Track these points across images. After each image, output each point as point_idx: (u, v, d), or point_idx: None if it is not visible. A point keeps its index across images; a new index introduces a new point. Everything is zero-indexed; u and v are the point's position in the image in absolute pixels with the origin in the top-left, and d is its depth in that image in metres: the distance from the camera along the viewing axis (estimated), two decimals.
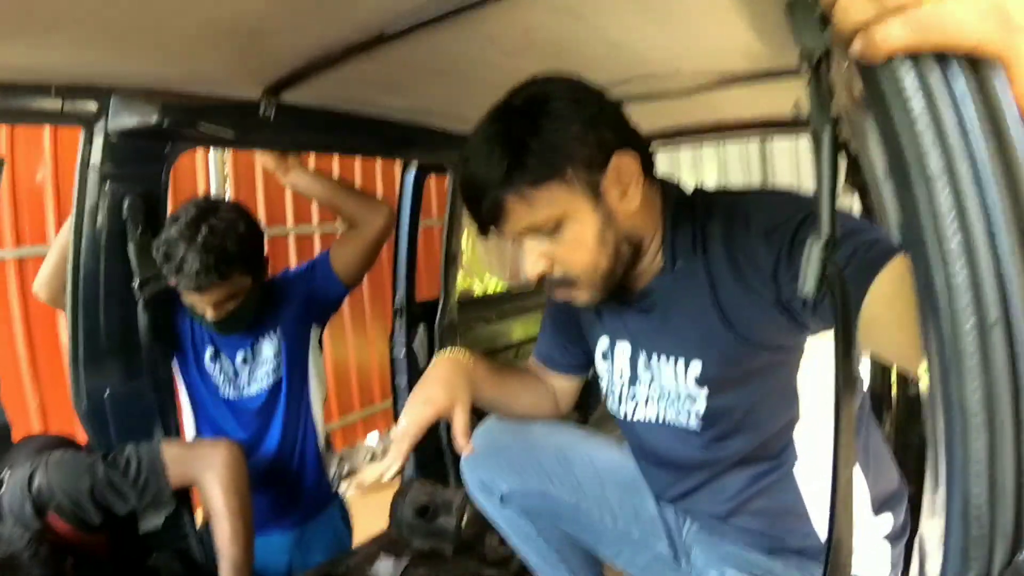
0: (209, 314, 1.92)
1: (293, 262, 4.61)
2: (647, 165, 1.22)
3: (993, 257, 0.44)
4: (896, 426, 2.28)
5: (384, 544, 2.29)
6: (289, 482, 2.28)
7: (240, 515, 1.66)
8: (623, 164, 1.15)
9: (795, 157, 8.37)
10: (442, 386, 1.33)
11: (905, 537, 1.38)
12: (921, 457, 0.52)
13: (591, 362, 1.57)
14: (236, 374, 2.17)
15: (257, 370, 2.19)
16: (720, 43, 1.60)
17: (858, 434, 1.23)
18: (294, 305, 2.23)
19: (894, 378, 2.40)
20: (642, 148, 1.21)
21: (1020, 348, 0.45)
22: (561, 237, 1.17)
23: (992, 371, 0.45)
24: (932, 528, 0.51)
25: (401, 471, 1.30)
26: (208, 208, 1.91)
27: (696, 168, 8.93)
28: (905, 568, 1.35)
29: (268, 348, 2.18)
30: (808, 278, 0.63)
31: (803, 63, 0.60)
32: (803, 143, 8.04)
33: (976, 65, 0.46)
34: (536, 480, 1.58)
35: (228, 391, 2.17)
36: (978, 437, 0.45)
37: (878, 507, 1.33)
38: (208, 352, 2.12)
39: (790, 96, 2.06)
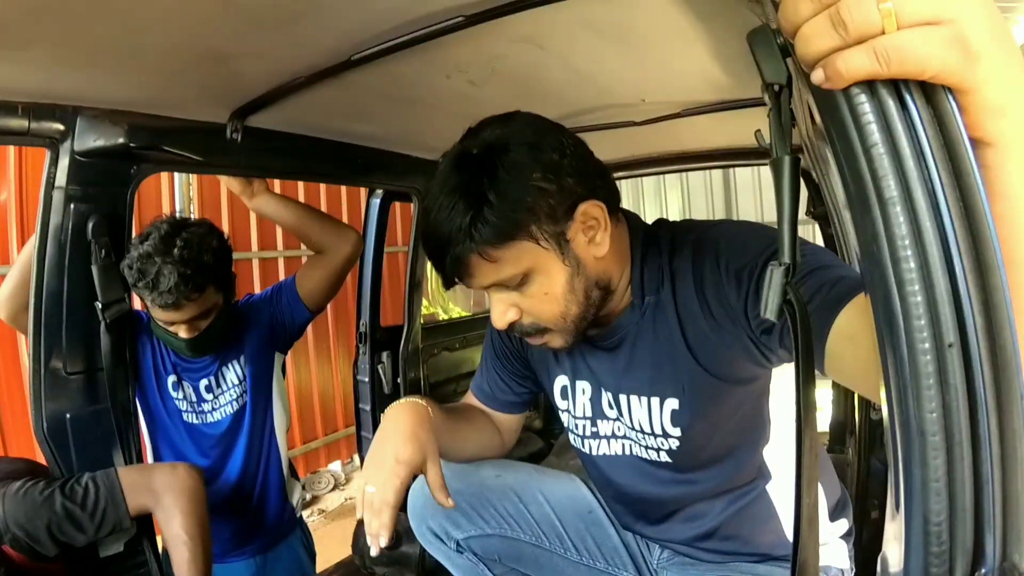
0: (183, 332, 1.90)
1: (257, 287, 4.57)
2: (614, 205, 1.20)
3: (949, 280, 0.46)
4: (859, 451, 2.31)
5: (345, 572, 2.26)
6: (251, 509, 2.23)
7: (198, 542, 1.62)
8: (590, 212, 1.13)
9: (757, 187, 8.52)
10: (411, 442, 1.25)
11: (853, 534, 1.43)
12: (884, 481, 0.53)
13: (535, 397, 1.56)
14: (199, 400, 2.13)
15: (220, 396, 2.15)
16: (683, 74, 1.62)
17: (818, 455, 1.25)
18: (259, 330, 2.21)
19: (857, 404, 2.44)
20: (608, 189, 1.19)
21: (976, 369, 0.46)
22: (529, 290, 1.15)
23: (949, 392, 0.46)
24: (893, 545, 0.52)
25: (392, 540, 1.22)
26: (179, 224, 1.91)
27: (659, 197, 9.04)
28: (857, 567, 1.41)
29: (232, 374, 2.15)
30: (770, 303, 0.64)
31: (765, 92, 0.61)
32: (765, 173, 8.17)
33: (930, 92, 0.48)
34: (492, 524, 1.54)
35: (191, 417, 2.13)
36: (936, 456, 0.46)
37: (833, 514, 1.38)
38: (171, 379, 2.08)
39: (752, 126, 2.10)
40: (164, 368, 2.08)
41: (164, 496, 1.61)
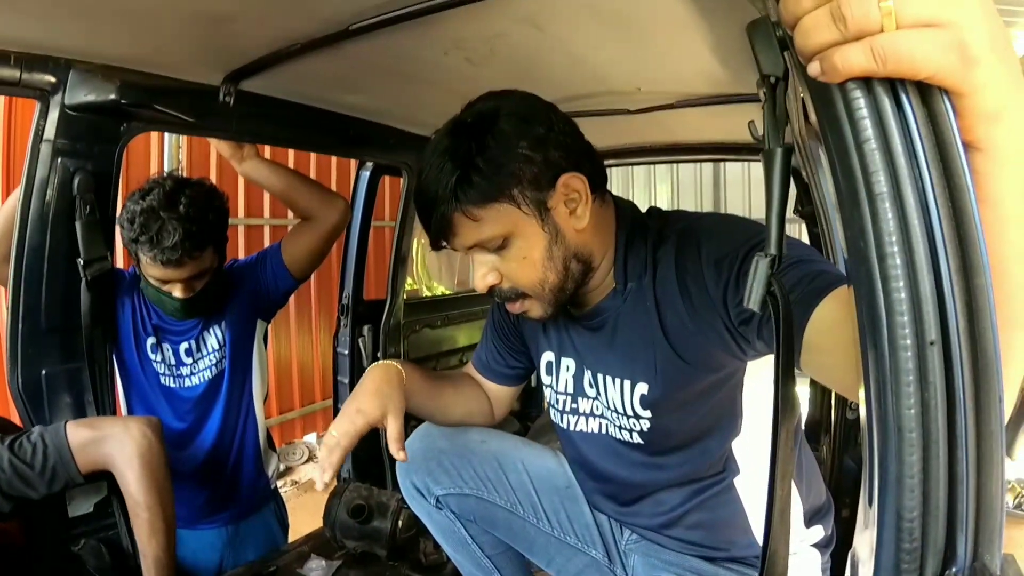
0: (178, 292, 1.89)
1: (242, 254, 4.56)
2: (598, 183, 1.24)
3: (934, 279, 0.46)
4: (833, 450, 2.33)
5: (316, 544, 2.25)
6: (226, 477, 2.22)
7: (157, 506, 1.57)
8: (571, 184, 1.18)
9: (746, 183, 8.56)
10: (373, 396, 1.33)
11: (832, 547, 1.44)
12: (857, 480, 0.53)
13: (529, 373, 1.62)
14: (178, 364, 2.10)
15: (200, 361, 2.13)
16: (680, 66, 1.62)
17: (793, 450, 1.27)
18: (242, 296, 2.20)
19: (833, 403, 2.46)
20: (593, 167, 1.24)
21: (956, 369, 0.46)
22: (508, 253, 1.20)
23: (928, 389, 0.46)
24: (864, 541, 0.52)
25: (332, 480, 1.28)
26: (183, 181, 1.91)
27: (649, 187, 9.05)
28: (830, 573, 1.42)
29: (213, 339, 2.14)
30: (754, 292, 0.65)
31: (761, 84, 0.61)
32: (755, 170, 8.21)
33: (926, 93, 0.48)
34: (471, 485, 1.59)
35: (168, 380, 2.10)
36: (912, 452, 0.46)
37: (809, 519, 1.39)
38: (150, 340, 2.05)
39: (745, 122, 2.11)
40: (144, 329, 2.04)
41: (116, 456, 1.56)
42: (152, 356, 2.06)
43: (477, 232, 1.18)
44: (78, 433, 1.54)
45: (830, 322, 0.90)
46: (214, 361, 2.14)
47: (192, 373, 2.12)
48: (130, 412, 2.07)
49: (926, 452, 0.46)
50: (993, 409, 0.47)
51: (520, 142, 1.15)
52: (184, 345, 2.10)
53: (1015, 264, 0.54)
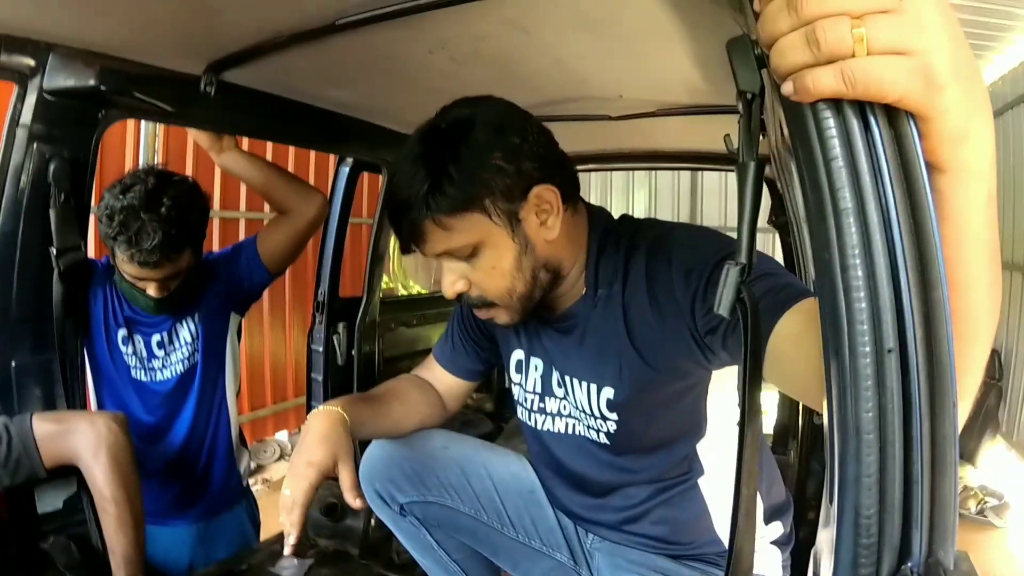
0: (152, 291, 1.88)
1: (216, 247, 4.54)
2: (570, 194, 1.27)
3: (893, 290, 0.48)
4: (801, 454, 2.37)
5: (293, 551, 2.25)
6: (197, 473, 2.20)
7: (125, 501, 1.56)
8: (543, 195, 1.20)
9: (723, 193, 8.65)
10: (321, 445, 1.30)
11: (791, 544, 1.48)
12: (821, 484, 0.56)
13: (491, 369, 1.66)
14: (150, 357, 2.09)
15: (172, 354, 2.11)
16: (662, 75, 1.65)
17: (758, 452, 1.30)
18: (216, 288, 2.18)
19: (801, 409, 2.50)
20: (566, 177, 1.26)
21: (913, 376, 0.49)
22: (478, 262, 1.22)
23: (885, 394, 0.49)
24: (826, 538, 0.55)
25: (300, 541, 1.28)
26: (165, 178, 1.89)
27: (627, 193, 9.11)
28: (795, 572, 1.46)
29: (186, 332, 2.12)
30: (724, 299, 0.67)
31: (739, 99, 0.64)
32: (732, 180, 8.28)
33: (893, 115, 0.50)
34: (434, 492, 1.60)
35: (139, 373, 2.08)
36: (870, 453, 0.49)
37: (768, 516, 1.43)
38: (121, 332, 2.03)
39: (723, 133, 2.14)
40: (115, 320, 2.03)
41: (82, 450, 1.55)
42: (123, 348, 2.04)
43: (447, 240, 1.20)
44: (44, 426, 1.52)
45: (794, 333, 0.94)
46: (187, 355, 2.12)
47: (164, 366, 2.11)
48: (100, 406, 2.06)
49: (883, 453, 0.49)
50: (947, 414, 0.49)
51: (494, 152, 1.16)
52: (156, 337, 2.08)
53: (973, 279, 0.57)
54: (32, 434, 1.50)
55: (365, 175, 2.66)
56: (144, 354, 2.08)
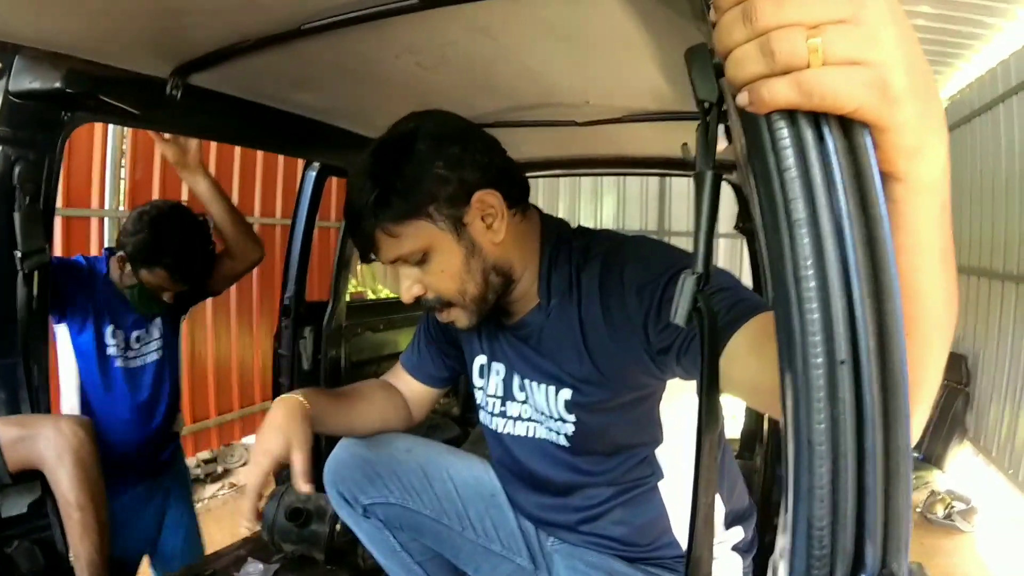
0: (168, 297, 2.29)
1: None
2: (517, 199, 1.31)
3: (847, 301, 0.48)
4: (766, 460, 2.39)
5: (253, 547, 2.24)
6: (166, 444, 2.53)
7: (89, 506, 1.54)
8: (486, 200, 1.25)
9: (691, 199, 8.71)
10: (275, 433, 1.34)
11: (753, 551, 1.51)
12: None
13: (456, 376, 1.69)
14: (127, 348, 2.34)
15: (145, 347, 2.40)
16: (629, 81, 1.65)
17: (716, 458, 1.31)
18: (180, 296, 2.42)
19: (766, 417, 2.52)
20: (510, 183, 1.30)
21: (866, 387, 0.49)
22: (429, 267, 1.27)
23: (838, 406, 0.49)
24: (783, 547, 0.55)
25: (256, 526, 1.33)
26: (195, 216, 2.31)
27: (595, 199, 9.16)
28: None
29: (155, 329, 2.43)
30: (680, 308, 0.67)
31: (698, 109, 0.64)
32: None
33: (848, 127, 0.50)
34: (396, 495, 1.61)
35: (121, 361, 2.32)
36: (822, 464, 0.49)
37: (730, 522, 1.45)
38: (109, 328, 2.28)
39: (690, 139, 2.15)
40: (108, 316, 2.28)
41: (46, 456, 1.53)
42: (109, 340, 2.29)
43: (397, 247, 1.26)
44: (7, 431, 1.50)
45: (749, 346, 0.96)
46: (156, 347, 2.43)
47: (138, 356, 2.39)
48: (83, 388, 2.28)
49: (835, 465, 0.49)
50: (901, 426, 0.49)
51: (436, 161, 1.23)
52: (135, 333, 2.36)
53: (928, 288, 0.57)
54: None
55: (332, 179, 2.65)
56: (123, 345, 2.34)
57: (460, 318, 1.34)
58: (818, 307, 0.48)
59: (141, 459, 2.39)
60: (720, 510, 1.41)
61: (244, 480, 1.33)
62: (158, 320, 2.42)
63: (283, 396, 1.44)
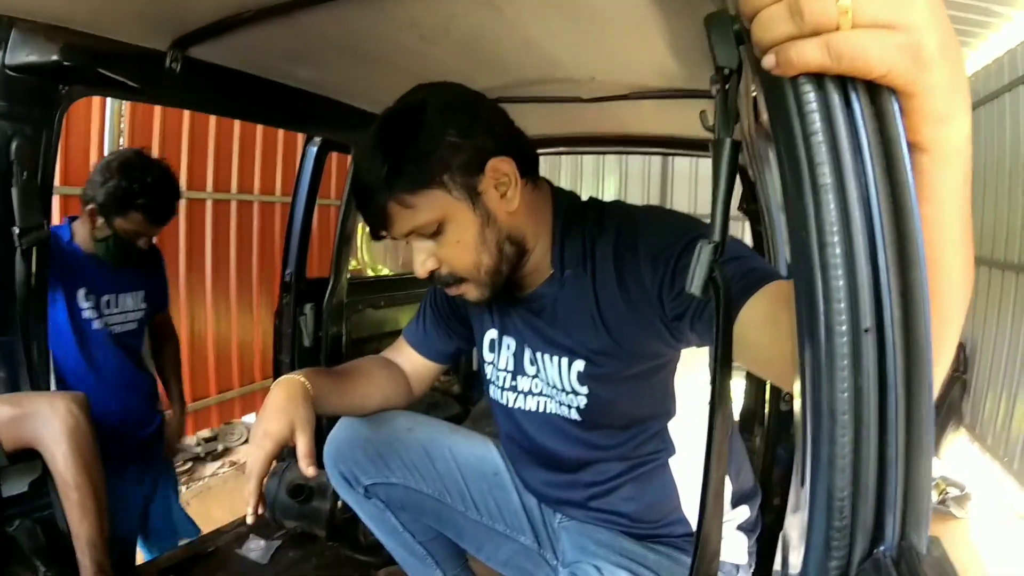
0: (143, 243, 2.34)
1: (182, 225, 4.69)
2: (528, 168, 1.30)
3: (872, 269, 0.48)
4: (766, 441, 2.39)
5: (255, 524, 2.24)
6: (150, 419, 2.62)
7: (87, 485, 1.54)
8: (500, 167, 1.23)
9: (693, 180, 8.71)
10: (278, 415, 1.32)
11: (758, 531, 1.50)
12: (789, 469, 0.55)
13: (460, 354, 1.68)
14: (101, 311, 2.39)
15: (121, 315, 2.47)
16: (635, 57, 1.64)
17: (727, 435, 1.31)
18: (159, 282, 2.70)
19: (767, 395, 2.52)
20: (523, 152, 1.28)
21: (889, 356, 0.48)
22: (444, 238, 1.25)
23: (861, 375, 0.48)
24: (795, 522, 0.54)
25: (258, 511, 1.30)
26: (158, 161, 2.36)
27: (597, 178, 9.14)
28: (761, 559, 1.49)
29: (131, 301, 2.50)
30: (696, 278, 0.66)
31: (716, 77, 0.62)
32: (702, 166, 8.36)
33: (875, 92, 0.49)
34: (398, 474, 1.60)
35: (98, 324, 2.38)
36: (844, 434, 0.48)
37: (736, 501, 1.45)
38: (82, 291, 2.33)
39: (695, 117, 2.14)
40: (77, 282, 2.32)
41: (43, 436, 1.52)
42: (83, 304, 2.34)
43: (412, 219, 1.23)
44: (3, 409, 1.49)
45: (762, 315, 0.95)
46: (135, 317, 2.52)
47: (114, 321, 2.44)
48: (62, 353, 2.30)
49: (857, 435, 0.48)
50: (924, 396, 0.48)
51: (447, 130, 1.20)
52: (106, 297, 2.41)
53: (950, 259, 0.57)
54: None
55: (332, 156, 2.64)
56: (97, 307, 2.39)
57: (472, 291, 1.32)
58: (843, 274, 0.48)
59: (125, 432, 2.40)
60: (728, 489, 1.40)
61: (246, 464, 1.30)
62: (136, 295, 2.50)
63: (284, 377, 1.41)
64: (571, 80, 1.89)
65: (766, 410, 2.50)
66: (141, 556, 2.55)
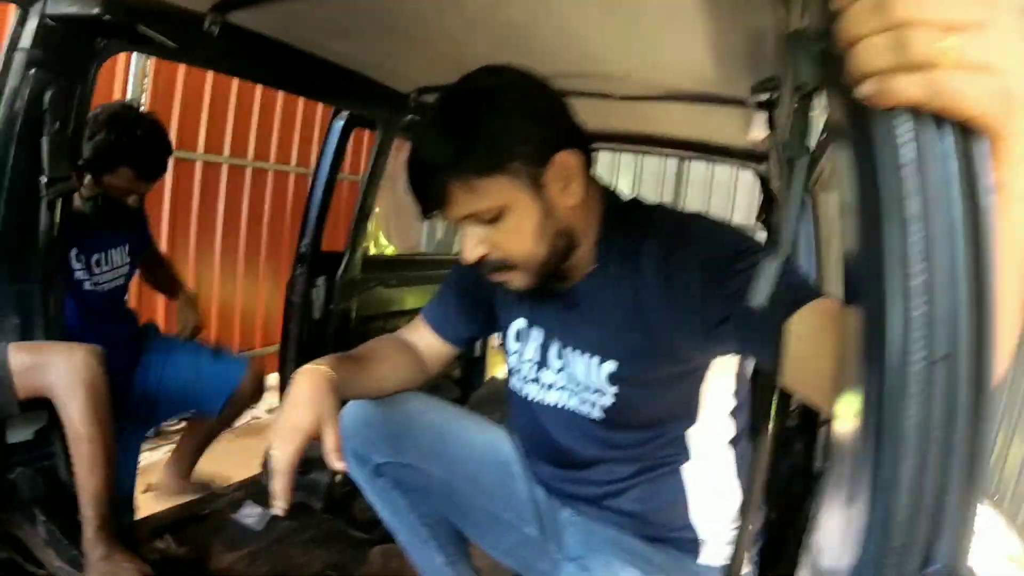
0: (133, 201, 2.28)
1: (197, 190, 4.68)
2: (588, 162, 1.28)
3: (951, 299, 0.49)
4: (773, 456, 2.40)
5: (252, 491, 2.26)
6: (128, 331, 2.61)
7: (99, 438, 1.55)
8: (566, 160, 1.21)
9: (708, 185, 8.68)
10: (307, 407, 1.28)
11: (760, 541, 1.52)
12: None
13: (478, 339, 1.63)
14: (90, 273, 2.37)
15: (110, 272, 2.44)
16: (674, 57, 1.64)
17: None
18: (143, 234, 2.68)
19: (773, 411, 2.53)
20: (585, 146, 1.27)
21: (960, 384, 0.49)
22: (502, 225, 1.22)
23: (932, 402, 0.49)
24: (835, 541, 0.55)
25: (289, 506, 1.28)
26: (149, 115, 2.34)
27: (612, 176, 9.12)
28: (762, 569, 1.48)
29: (117, 257, 2.46)
30: (760, 290, 0.67)
31: (793, 94, 0.63)
32: (719, 172, 8.35)
33: (966, 130, 0.50)
34: (410, 454, 1.59)
35: (90, 284, 2.36)
36: (907, 457, 0.49)
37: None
38: (73, 252, 2.28)
39: (724, 124, 2.14)
40: (68, 243, 2.21)
41: (58, 383, 1.53)
42: (75, 265, 2.31)
43: (473, 203, 1.20)
44: (20, 357, 1.51)
45: (806, 329, 0.95)
46: (121, 274, 2.50)
47: (103, 281, 2.42)
48: None
49: (923, 460, 0.49)
50: (986, 427, 0.50)
51: (522, 117, 1.18)
52: (95, 256, 2.38)
53: (1006, 300, 0.58)
54: (7, 365, 1.47)
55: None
56: (87, 267, 2.37)
57: (517, 279, 1.30)
58: (924, 303, 0.49)
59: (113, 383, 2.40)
60: (738, 497, 1.41)
61: (278, 457, 1.26)
62: (122, 250, 2.47)
63: (307, 367, 1.38)
64: (606, 76, 1.89)
65: (769, 426, 2.52)
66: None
